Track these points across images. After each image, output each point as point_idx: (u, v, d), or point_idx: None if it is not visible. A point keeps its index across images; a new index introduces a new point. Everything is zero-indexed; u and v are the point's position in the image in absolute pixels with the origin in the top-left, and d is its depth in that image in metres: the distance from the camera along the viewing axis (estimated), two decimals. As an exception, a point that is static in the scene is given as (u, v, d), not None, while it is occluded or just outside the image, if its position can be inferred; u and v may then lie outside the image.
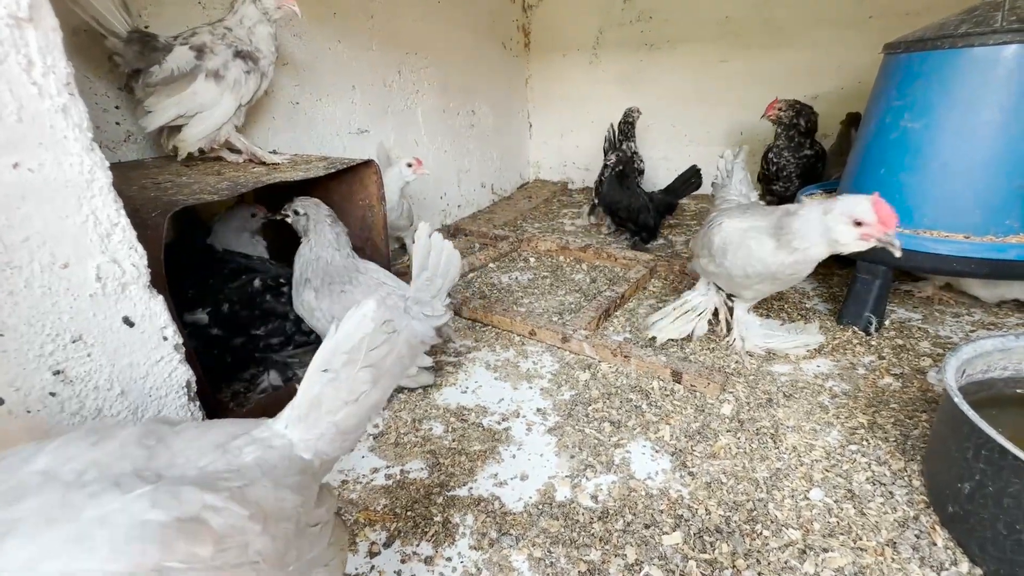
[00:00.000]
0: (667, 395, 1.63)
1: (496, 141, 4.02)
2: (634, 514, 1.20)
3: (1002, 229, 1.66)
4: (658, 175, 4.10)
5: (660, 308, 1.96)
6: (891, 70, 1.84)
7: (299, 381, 0.73)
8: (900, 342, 1.83)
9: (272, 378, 1.72)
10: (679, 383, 1.67)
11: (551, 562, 1.10)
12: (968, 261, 1.63)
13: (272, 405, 1.54)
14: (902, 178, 1.80)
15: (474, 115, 3.75)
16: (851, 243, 1.32)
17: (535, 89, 4.40)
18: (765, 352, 1.79)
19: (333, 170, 1.69)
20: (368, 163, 1.83)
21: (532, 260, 2.82)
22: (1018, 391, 1.28)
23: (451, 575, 1.09)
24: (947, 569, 1.00)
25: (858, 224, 1.28)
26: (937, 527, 1.09)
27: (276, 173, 1.61)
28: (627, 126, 3.34)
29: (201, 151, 1.72)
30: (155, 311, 0.86)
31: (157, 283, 0.90)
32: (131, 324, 0.82)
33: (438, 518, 1.23)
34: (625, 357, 1.78)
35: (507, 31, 4.00)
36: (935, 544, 1.05)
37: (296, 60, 2.43)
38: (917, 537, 1.08)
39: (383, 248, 1.97)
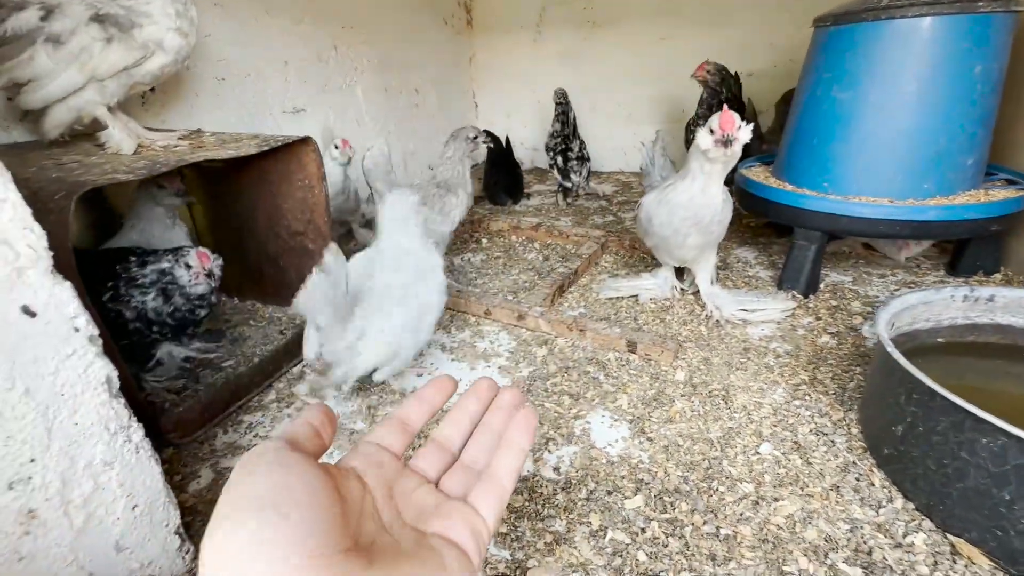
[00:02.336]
0: (623, 365, 1.65)
1: (442, 121, 3.91)
2: (596, 482, 1.22)
3: (921, 193, 1.78)
4: (604, 155, 4.14)
5: (616, 277, 2.15)
6: (820, 43, 1.92)
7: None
8: (834, 303, 1.94)
9: (168, 347, 1.68)
10: (634, 353, 1.70)
11: (517, 536, 1.09)
12: (892, 223, 1.75)
13: (213, 401, 1.46)
14: (832, 147, 1.89)
15: (417, 94, 3.63)
16: (709, 146, 1.51)
17: (480, 68, 4.31)
18: (741, 321, 1.84)
19: (267, 147, 1.57)
20: (305, 140, 1.72)
21: (484, 241, 2.78)
22: (939, 340, 1.39)
23: (415, 559, 1.06)
24: (884, 506, 1.08)
25: (711, 132, 1.51)
26: (874, 469, 1.17)
27: (202, 151, 1.48)
28: (558, 107, 3.34)
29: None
30: (62, 299, 0.76)
31: (65, 270, 0.80)
32: (32, 314, 0.72)
33: (399, 503, 1.20)
34: (581, 331, 1.78)
35: (448, 7, 3.88)
36: (873, 485, 1.13)
37: (219, 33, 2.24)
38: (857, 480, 1.15)
39: (326, 231, 1.87)
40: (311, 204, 1.87)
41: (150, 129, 1.74)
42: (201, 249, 1.55)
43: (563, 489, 1.20)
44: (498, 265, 2.47)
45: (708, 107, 2.87)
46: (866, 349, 1.65)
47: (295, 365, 1.76)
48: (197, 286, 1.55)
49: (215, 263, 1.57)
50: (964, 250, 2.03)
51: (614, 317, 1.95)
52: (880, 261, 2.27)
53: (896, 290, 2.03)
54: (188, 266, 1.53)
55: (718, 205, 1.65)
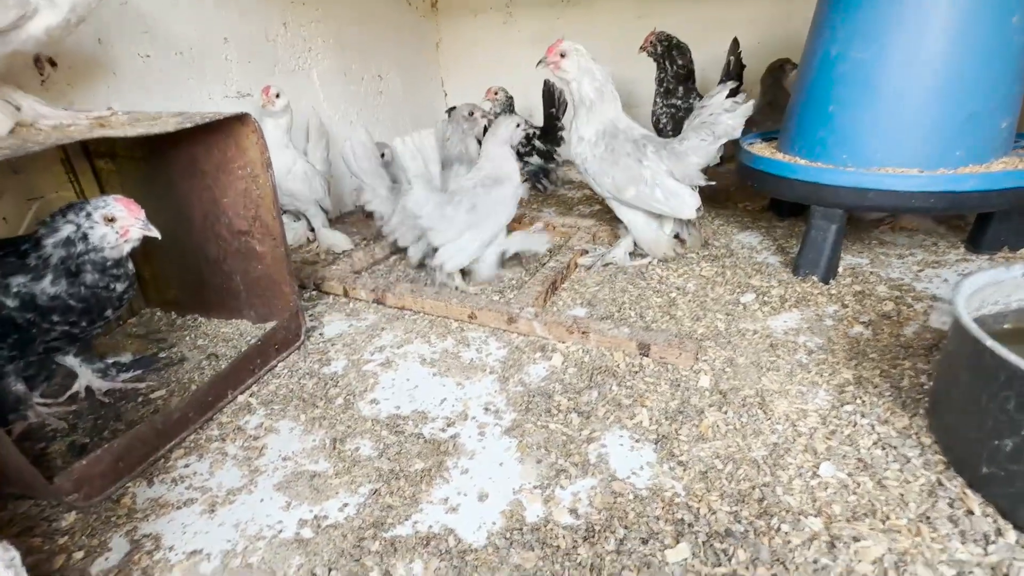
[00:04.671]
0: (636, 372, 1.41)
1: (409, 109, 3.61)
2: (626, 527, 0.96)
3: (953, 161, 1.59)
4: (585, 141, 3.90)
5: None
6: (833, -2, 1.71)
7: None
8: (858, 288, 1.74)
9: (88, 379, 1.44)
10: (647, 356, 1.46)
11: (532, 612, 0.83)
12: (927, 196, 1.55)
13: (126, 451, 1.07)
14: (851, 114, 1.69)
15: (382, 80, 3.32)
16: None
17: (447, 53, 4.02)
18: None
19: (189, 125, 1.26)
20: (242, 118, 1.42)
21: (462, 236, 2.50)
22: (1005, 326, 1.19)
23: (399, 657, 0.79)
24: (994, 542, 0.86)
25: None
26: (967, 491, 0.95)
27: (101, 129, 1.16)
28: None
29: None
30: None
31: None
32: None
33: (375, 573, 0.92)
34: (583, 333, 1.53)
35: (410, -14, 3.58)
36: (972, 513, 0.91)
37: (138, 2, 1.90)
38: (950, 506, 0.93)
39: (276, 227, 1.56)
40: (256, 197, 1.56)
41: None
42: (117, 196, 1.22)
43: (585, 539, 0.95)
44: (480, 262, 2.20)
45: (659, 82, 2.68)
46: (906, 339, 1.45)
47: (243, 392, 1.46)
48: (125, 244, 1.23)
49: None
50: (988, 224, 1.87)
51: (618, 315, 1.70)
52: (894, 240, 2.09)
53: (920, 271, 1.85)
54: (111, 219, 1.19)
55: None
